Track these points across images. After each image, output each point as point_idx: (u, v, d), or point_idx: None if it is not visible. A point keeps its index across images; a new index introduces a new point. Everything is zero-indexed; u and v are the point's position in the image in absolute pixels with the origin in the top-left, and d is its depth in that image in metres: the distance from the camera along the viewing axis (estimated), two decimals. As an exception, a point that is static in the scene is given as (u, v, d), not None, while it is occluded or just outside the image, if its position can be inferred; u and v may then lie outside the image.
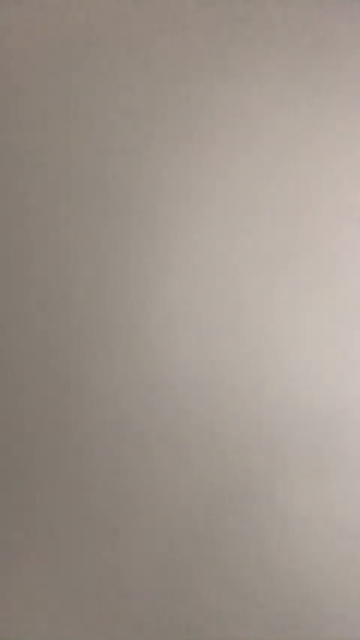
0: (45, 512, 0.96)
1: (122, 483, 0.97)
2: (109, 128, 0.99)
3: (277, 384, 0.98)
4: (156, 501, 0.97)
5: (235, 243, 0.99)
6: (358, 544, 0.97)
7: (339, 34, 1.01)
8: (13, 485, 0.96)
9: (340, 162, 1.01)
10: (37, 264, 0.98)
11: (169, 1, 1.00)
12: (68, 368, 0.97)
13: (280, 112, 1.00)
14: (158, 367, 0.97)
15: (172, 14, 1.00)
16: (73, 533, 0.96)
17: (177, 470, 0.97)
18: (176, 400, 0.97)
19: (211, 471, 0.97)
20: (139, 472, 0.97)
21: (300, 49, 1.01)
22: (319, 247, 1.00)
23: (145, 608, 0.96)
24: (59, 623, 0.95)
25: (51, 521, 0.96)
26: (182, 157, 0.99)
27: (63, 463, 0.96)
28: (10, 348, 0.97)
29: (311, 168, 1.00)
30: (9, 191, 0.98)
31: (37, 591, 0.95)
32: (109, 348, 0.97)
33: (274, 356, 0.98)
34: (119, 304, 0.98)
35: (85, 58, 0.99)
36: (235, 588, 0.97)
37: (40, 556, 0.96)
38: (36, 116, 0.99)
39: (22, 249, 0.98)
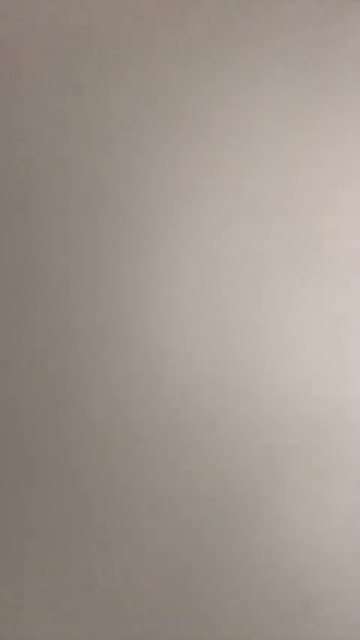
0: (45, 514, 0.96)
1: (122, 486, 0.97)
2: (107, 128, 0.99)
3: (275, 388, 0.98)
4: (156, 505, 0.97)
5: (233, 244, 0.99)
6: (357, 548, 0.97)
7: (339, 33, 1.01)
8: (13, 487, 0.96)
9: (339, 161, 1.00)
10: (36, 265, 0.98)
11: None
12: (67, 372, 0.97)
13: (280, 112, 1.00)
14: (156, 372, 0.97)
15: (171, 12, 1.00)
16: (74, 535, 0.96)
17: (176, 475, 0.97)
18: (174, 405, 0.97)
19: (210, 476, 0.97)
20: (138, 475, 0.97)
21: (300, 47, 1.00)
22: (319, 248, 0.99)
23: (145, 609, 0.96)
24: (59, 623, 0.96)
25: (51, 523, 0.96)
26: (182, 156, 0.99)
27: (63, 466, 0.96)
28: (10, 350, 0.97)
29: (311, 168, 1.00)
30: (7, 193, 0.98)
31: (36, 591, 0.96)
32: (107, 351, 0.97)
33: (273, 360, 0.98)
34: (116, 307, 0.98)
35: (84, 56, 0.99)
36: (234, 591, 0.97)
37: (40, 557, 0.96)
38: (34, 115, 0.99)
39: (21, 250, 0.98)
